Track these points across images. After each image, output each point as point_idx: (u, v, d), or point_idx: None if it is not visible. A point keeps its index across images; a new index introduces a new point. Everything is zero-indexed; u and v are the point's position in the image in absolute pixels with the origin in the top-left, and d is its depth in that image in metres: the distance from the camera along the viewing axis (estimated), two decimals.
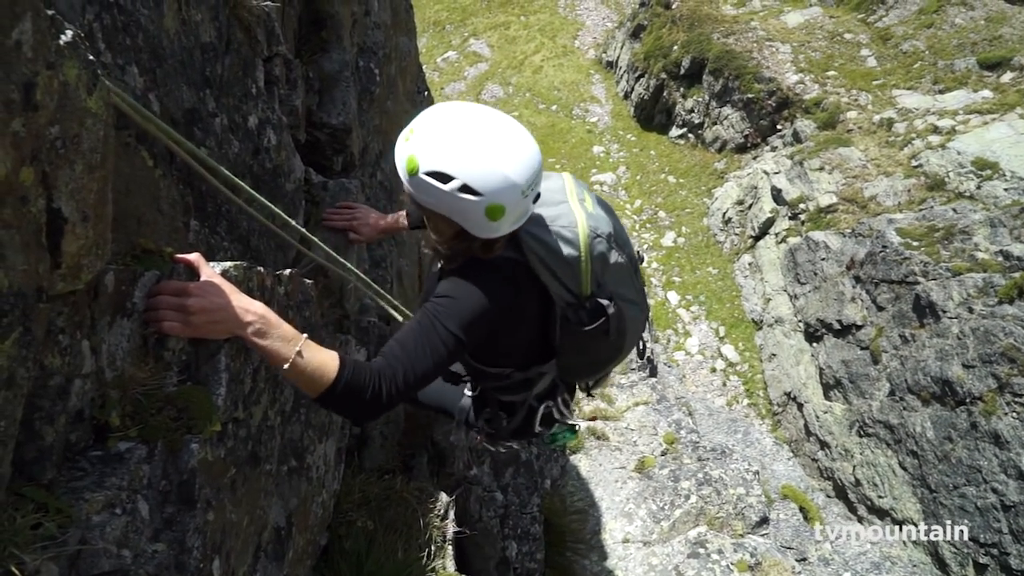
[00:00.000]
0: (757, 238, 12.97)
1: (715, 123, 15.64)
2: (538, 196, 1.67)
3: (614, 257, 1.82)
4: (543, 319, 1.89)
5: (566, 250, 1.74)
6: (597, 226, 1.79)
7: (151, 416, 1.23)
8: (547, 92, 19.13)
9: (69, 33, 0.99)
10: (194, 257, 1.38)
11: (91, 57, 1.04)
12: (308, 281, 1.99)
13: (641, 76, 17.53)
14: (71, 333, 1.08)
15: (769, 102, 14.48)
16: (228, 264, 1.45)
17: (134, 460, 1.16)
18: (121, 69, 1.40)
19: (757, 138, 14.77)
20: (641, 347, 2.24)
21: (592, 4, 22.44)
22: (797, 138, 13.65)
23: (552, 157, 16.66)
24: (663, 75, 16.78)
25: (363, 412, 1.50)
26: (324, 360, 1.40)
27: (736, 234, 13.52)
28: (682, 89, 16.47)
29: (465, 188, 1.52)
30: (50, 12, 0.96)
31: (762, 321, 12.01)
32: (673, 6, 17.50)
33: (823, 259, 10.96)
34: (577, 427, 2.33)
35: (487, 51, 21.30)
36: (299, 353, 1.35)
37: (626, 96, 18.38)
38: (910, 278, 9.06)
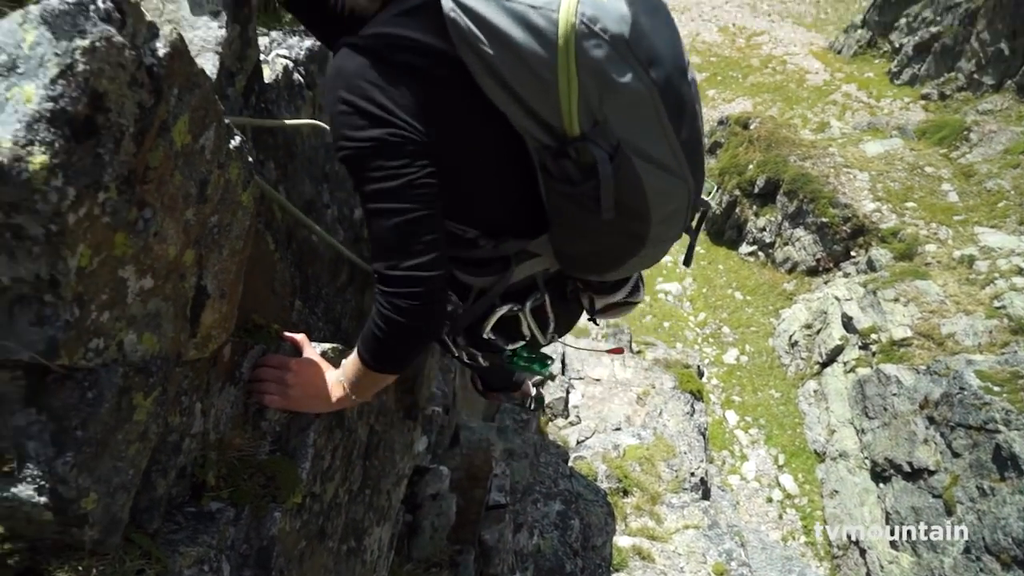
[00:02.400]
0: (824, 365, 12.57)
1: (787, 244, 15.59)
2: None
3: (624, 76, 1.08)
4: (516, 158, 1.28)
5: (527, 43, 1.06)
6: (598, 15, 1.05)
7: (242, 481, 1.32)
8: None
9: (237, 139, 1.16)
10: (300, 337, 1.51)
11: (250, 159, 1.21)
12: None
13: (715, 191, 17.79)
14: (191, 395, 1.20)
15: (844, 228, 14.39)
16: (327, 346, 1.57)
17: (223, 520, 1.24)
18: (261, 164, 1.59)
19: (829, 263, 14.60)
20: (688, 246, 1.58)
21: None
22: (871, 266, 13.43)
23: None
24: (736, 191, 16.99)
25: (398, 339, 1.28)
26: (352, 365, 1.41)
27: (802, 359, 13.16)
28: (755, 207, 16.59)
29: None
30: (226, 120, 1.14)
31: (825, 453, 11.45)
32: (751, 127, 17.92)
33: (894, 394, 10.50)
34: (550, 360, 1.73)
35: None
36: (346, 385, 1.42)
37: None
38: (990, 425, 8.55)
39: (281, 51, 1.78)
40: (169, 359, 1.05)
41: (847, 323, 12.39)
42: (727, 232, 17.27)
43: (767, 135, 17.32)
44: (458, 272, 1.51)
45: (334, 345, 1.60)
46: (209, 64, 1.33)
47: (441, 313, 1.30)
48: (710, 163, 18.40)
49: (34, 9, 0.77)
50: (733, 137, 18.11)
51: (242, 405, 1.38)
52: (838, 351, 12.38)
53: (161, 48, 0.89)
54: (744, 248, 16.67)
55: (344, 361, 1.45)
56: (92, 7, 0.79)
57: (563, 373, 9.56)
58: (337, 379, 1.44)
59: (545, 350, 1.77)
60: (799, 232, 15.30)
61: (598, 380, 9.73)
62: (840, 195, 14.84)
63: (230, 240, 1.17)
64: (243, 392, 1.39)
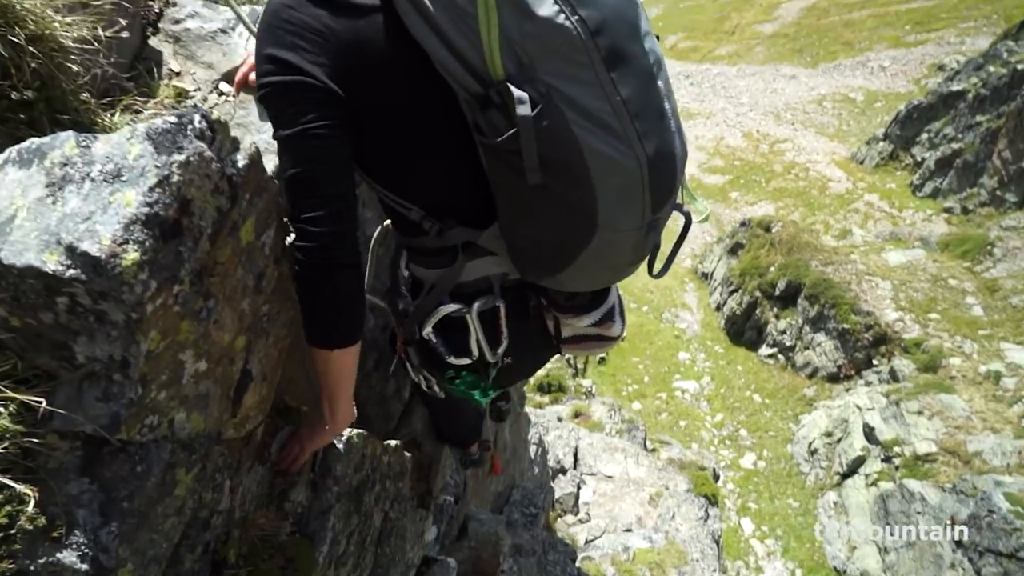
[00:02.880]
0: (845, 476, 12.19)
1: (807, 348, 15.47)
2: None
3: (544, 8, 1.02)
4: (457, 125, 1.21)
5: None
6: None
7: (262, 561, 1.35)
8: (640, 292, 19.72)
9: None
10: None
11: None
12: (407, 454, 2.13)
13: (735, 291, 17.86)
14: (223, 473, 1.26)
15: (866, 336, 14.29)
16: (352, 432, 1.62)
17: None
18: None
19: (851, 370, 14.41)
20: (668, 256, 1.44)
21: (693, 217, 23.54)
22: (894, 376, 13.23)
23: (636, 356, 16.78)
24: (757, 293, 17.04)
25: (307, 289, 1.22)
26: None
27: (822, 468, 12.79)
28: (776, 309, 16.59)
29: None
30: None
31: (845, 572, 10.93)
32: (773, 230, 18.17)
33: (919, 512, 10.11)
34: (491, 391, 1.58)
35: None
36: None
37: (718, 308, 18.64)
38: (1021, 553, 8.17)
39: None
40: (211, 437, 1.12)
41: (869, 433, 12.10)
42: (747, 333, 17.21)
43: (789, 239, 17.52)
44: (412, 264, 1.47)
45: (359, 431, 1.66)
46: (271, 165, 1.46)
47: (348, 275, 1.22)
48: (731, 263, 18.57)
49: (141, 127, 0.89)
50: (755, 239, 18.33)
51: (268, 485, 1.43)
52: (859, 462, 12.03)
53: (241, 160, 1.01)
54: (764, 350, 16.55)
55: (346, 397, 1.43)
56: (190, 126, 0.91)
57: (575, 468, 9.39)
58: (340, 429, 1.45)
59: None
60: (820, 337, 15.20)
61: (610, 477, 9.52)
62: (862, 302, 14.82)
63: (276, 328, 1.26)
64: (270, 472, 1.44)
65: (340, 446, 1.56)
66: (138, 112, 1.45)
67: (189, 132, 0.91)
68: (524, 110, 1.04)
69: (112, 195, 0.85)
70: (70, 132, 0.91)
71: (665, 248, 1.45)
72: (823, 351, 15.06)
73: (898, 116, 23.25)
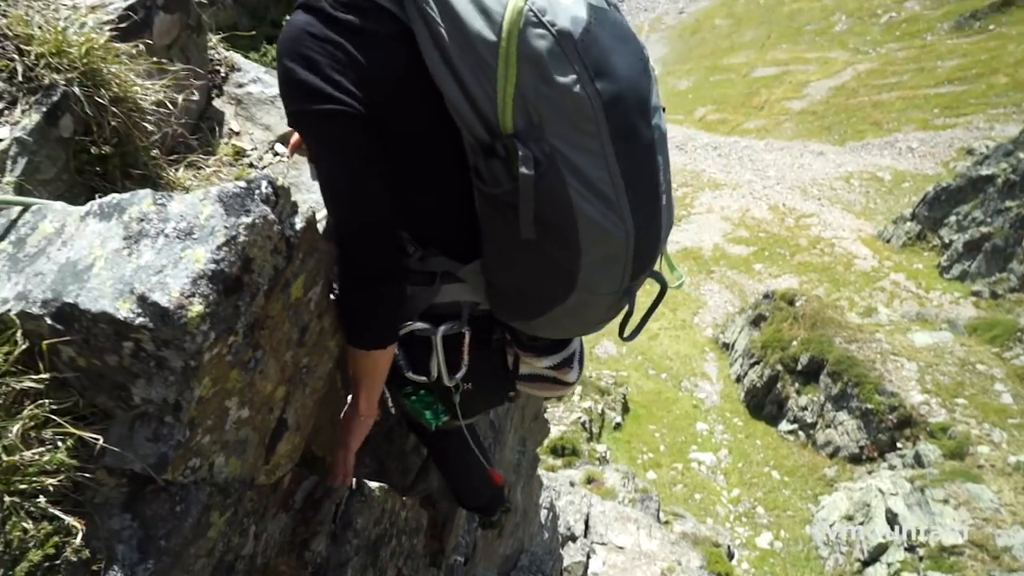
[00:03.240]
0: (866, 564, 11.74)
1: (829, 426, 15.14)
2: None
3: (562, 76, 1.05)
4: (457, 163, 1.23)
5: (475, 24, 1.07)
6: (548, 9, 1.06)
7: None
8: (659, 360, 19.58)
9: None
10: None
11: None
12: (423, 511, 2.15)
13: (756, 363, 17.65)
14: (250, 518, 1.29)
15: (890, 417, 13.97)
16: (375, 485, 1.66)
17: None
18: None
19: (874, 452, 14.05)
20: (627, 306, 1.41)
21: (716, 287, 23.56)
22: (919, 461, 12.86)
23: (653, 424, 16.56)
24: (779, 367, 16.83)
25: (351, 294, 1.30)
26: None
27: (842, 553, 12.33)
28: (797, 384, 16.33)
29: None
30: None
31: None
32: (797, 303, 18.06)
33: None
34: (444, 415, 1.63)
35: None
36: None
37: (738, 380, 18.41)
38: None
39: None
40: (245, 482, 1.16)
41: (892, 520, 11.69)
42: (767, 407, 16.92)
43: (813, 314, 17.39)
44: None
45: (380, 485, 1.69)
46: (302, 221, 1.54)
47: (390, 287, 1.28)
48: (753, 335, 18.42)
49: (213, 190, 0.97)
50: (778, 312, 18.22)
51: (291, 533, 1.46)
52: (881, 550, 11.59)
53: (299, 222, 1.09)
54: (784, 426, 16.23)
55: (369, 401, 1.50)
56: (257, 191, 1.00)
57: (585, 536, 9.17)
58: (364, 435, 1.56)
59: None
60: (842, 416, 14.90)
61: (621, 548, 9.28)
62: (887, 382, 14.56)
63: (313, 380, 1.32)
64: (293, 520, 1.48)
65: (362, 498, 1.59)
66: (199, 168, 1.56)
67: (256, 196, 0.99)
68: (527, 170, 1.08)
69: (183, 251, 0.92)
70: (148, 190, 1.00)
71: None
72: (845, 430, 14.73)
73: (926, 197, 23.30)
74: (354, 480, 1.61)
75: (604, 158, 1.12)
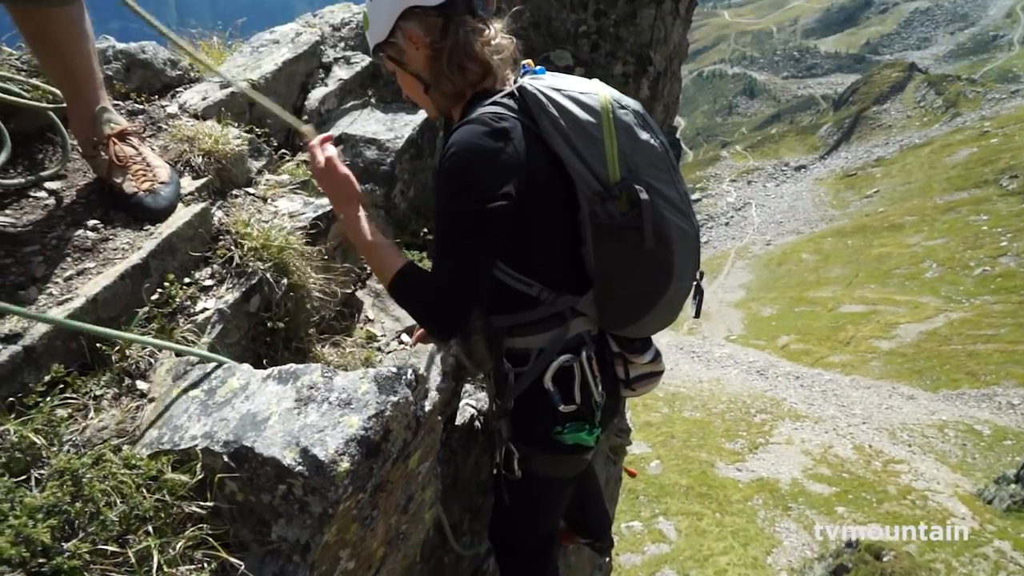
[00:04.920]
0: None
1: None
2: None
3: (643, 135, 1.59)
4: (571, 217, 1.65)
5: (581, 113, 1.57)
6: (621, 98, 1.62)
7: None
8: None
9: (438, 467, 1.52)
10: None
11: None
12: None
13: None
14: None
15: None
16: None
17: None
18: None
19: None
20: (698, 293, 1.84)
21: (793, 526, 21.83)
22: None
23: None
24: None
25: (426, 315, 1.56)
26: (391, 255, 1.59)
27: None
28: None
29: None
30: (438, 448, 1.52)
31: None
32: (884, 558, 16.41)
33: None
34: (597, 429, 1.76)
35: (673, 534, 21.09)
36: (376, 243, 1.60)
37: None
38: None
39: (470, 401, 2.26)
40: None
41: None
42: None
43: (903, 572, 15.70)
44: (518, 339, 1.74)
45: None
46: (429, 404, 1.78)
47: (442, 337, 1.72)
48: None
49: (371, 371, 1.23)
50: (863, 565, 16.55)
51: None
52: None
53: (427, 405, 1.32)
54: None
55: (373, 231, 1.62)
56: (404, 377, 1.25)
57: None
58: (358, 215, 1.63)
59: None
60: None
61: None
62: None
63: (407, 547, 1.47)
64: None
65: None
66: (340, 347, 1.86)
67: (403, 380, 1.24)
68: (645, 197, 1.55)
69: (342, 417, 1.16)
70: (318, 365, 1.27)
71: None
72: None
73: None
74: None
75: (673, 184, 1.63)
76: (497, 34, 1.65)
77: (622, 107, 1.60)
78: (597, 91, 1.61)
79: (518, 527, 2.02)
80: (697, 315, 1.89)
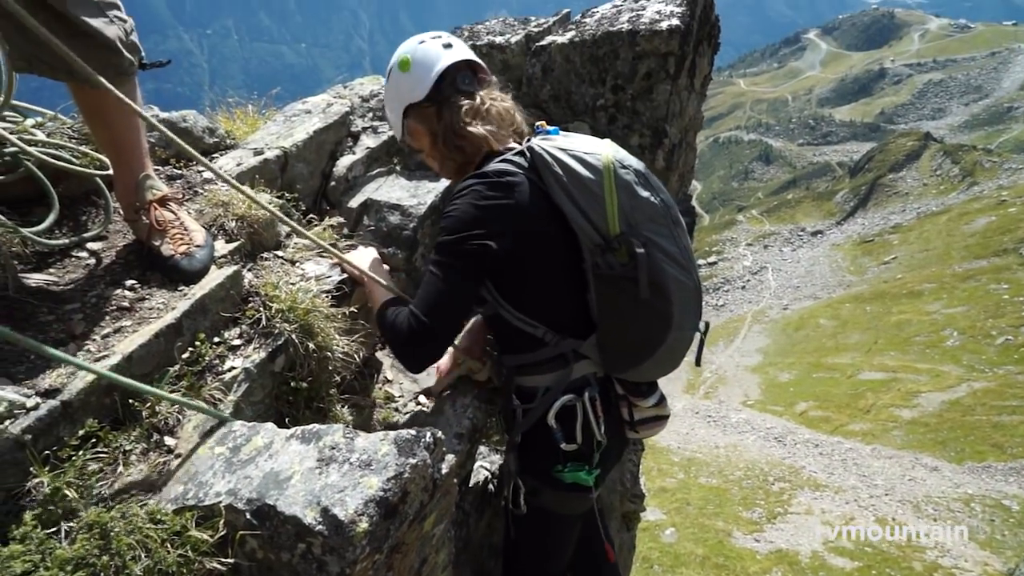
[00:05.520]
0: None
1: None
2: (449, 46, 1.87)
3: (643, 192, 1.70)
4: (573, 265, 1.79)
5: (584, 171, 1.70)
6: (624, 158, 1.74)
7: None
8: None
9: (452, 530, 1.54)
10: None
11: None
12: None
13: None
14: None
15: None
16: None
17: None
18: None
19: None
20: (699, 342, 1.92)
21: None
22: None
23: None
24: None
25: (396, 346, 1.69)
26: (378, 295, 1.78)
27: None
28: None
29: (391, 70, 1.92)
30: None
31: None
32: None
33: None
34: (590, 465, 1.82)
35: None
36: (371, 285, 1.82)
37: None
38: None
39: (484, 463, 2.28)
40: None
41: None
42: None
43: None
44: (526, 378, 1.87)
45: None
46: (446, 467, 1.80)
47: (412, 365, 1.73)
48: None
49: (392, 434, 1.27)
50: None
51: None
52: None
53: (444, 468, 1.36)
54: None
55: (380, 289, 1.84)
56: (423, 440, 1.29)
57: None
58: (372, 270, 1.89)
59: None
60: None
61: None
62: None
63: None
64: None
65: None
66: (359, 407, 1.90)
67: (422, 443, 1.28)
68: (640, 250, 1.65)
69: (361, 478, 1.20)
70: (340, 426, 1.32)
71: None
72: None
73: None
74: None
75: (673, 239, 1.73)
76: (489, 102, 1.88)
77: (624, 167, 1.72)
78: (601, 151, 1.74)
79: (526, 566, 2.07)
80: (698, 363, 1.98)
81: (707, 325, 1.95)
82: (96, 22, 1.56)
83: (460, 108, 1.83)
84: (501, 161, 1.76)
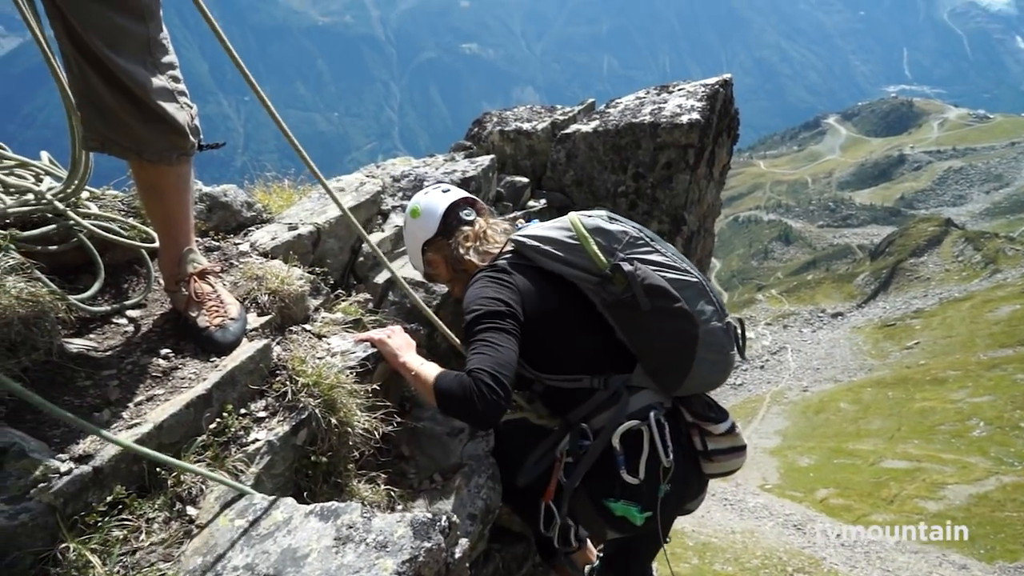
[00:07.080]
0: None
1: None
2: (447, 190, 2.38)
3: (612, 226, 2.02)
4: (588, 311, 2.03)
5: (556, 233, 2.06)
6: (586, 212, 2.12)
7: None
8: None
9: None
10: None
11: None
12: None
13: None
14: None
15: None
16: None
17: None
18: None
19: None
20: (738, 337, 2.04)
21: None
22: None
23: None
24: None
25: (466, 405, 1.72)
26: (428, 372, 1.89)
27: None
28: None
29: (406, 221, 2.41)
30: None
31: None
32: None
33: None
34: (648, 512, 1.84)
35: None
36: (416, 367, 1.96)
37: None
38: None
39: (495, 544, 2.27)
40: None
41: None
42: None
43: None
44: (593, 420, 1.94)
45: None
46: (459, 551, 1.81)
47: (484, 418, 1.74)
48: None
49: (408, 516, 1.31)
50: None
51: None
52: None
53: (458, 551, 1.38)
54: None
55: (421, 362, 1.99)
56: (439, 524, 1.32)
57: None
58: (407, 358, 2.02)
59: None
60: None
61: None
62: None
63: None
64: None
65: None
66: (374, 483, 1.93)
67: (437, 527, 1.31)
68: (628, 267, 1.92)
69: (377, 559, 1.23)
70: (358, 504, 1.35)
71: None
72: None
73: None
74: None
75: (657, 251, 1.99)
76: (484, 227, 2.29)
77: (588, 216, 2.08)
78: (566, 216, 2.11)
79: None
80: (742, 355, 2.07)
81: (741, 321, 2.07)
82: (170, 107, 1.70)
83: (462, 234, 2.27)
84: (496, 260, 2.15)
